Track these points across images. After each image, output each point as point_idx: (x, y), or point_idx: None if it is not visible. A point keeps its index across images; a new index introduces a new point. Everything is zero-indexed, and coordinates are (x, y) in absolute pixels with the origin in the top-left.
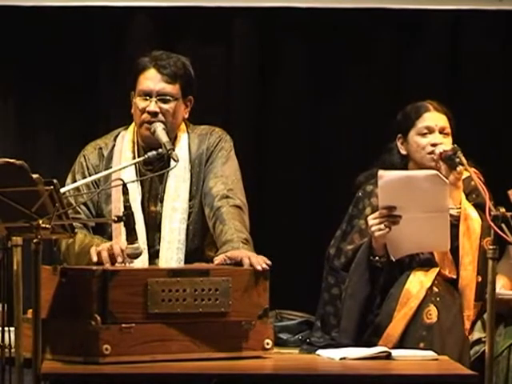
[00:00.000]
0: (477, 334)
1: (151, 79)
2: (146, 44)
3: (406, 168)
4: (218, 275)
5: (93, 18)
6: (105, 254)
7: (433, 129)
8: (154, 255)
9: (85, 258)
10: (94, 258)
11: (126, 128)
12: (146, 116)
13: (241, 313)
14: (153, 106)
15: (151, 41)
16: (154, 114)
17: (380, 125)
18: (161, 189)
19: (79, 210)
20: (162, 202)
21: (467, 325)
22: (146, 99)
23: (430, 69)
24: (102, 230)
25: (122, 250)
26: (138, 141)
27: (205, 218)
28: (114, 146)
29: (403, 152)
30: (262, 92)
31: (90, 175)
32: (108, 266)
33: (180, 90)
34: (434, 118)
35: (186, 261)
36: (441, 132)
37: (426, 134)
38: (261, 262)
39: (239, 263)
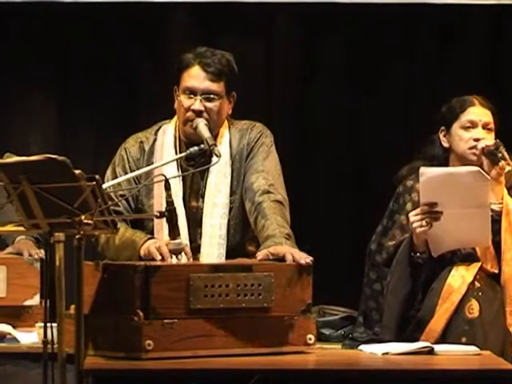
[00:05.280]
0: None
1: (196, 77)
2: (186, 40)
3: (447, 161)
4: (260, 270)
5: (134, 15)
6: (165, 249)
7: (476, 123)
8: (195, 250)
9: (125, 251)
10: (158, 257)
11: (168, 122)
12: (190, 114)
13: (284, 308)
14: (197, 104)
15: (192, 37)
16: (198, 113)
17: (420, 121)
18: (202, 184)
19: (118, 203)
20: (203, 197)
21: (510, 320)
22: (191, 97)
23: (471, 64)
24: (142, 224)
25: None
26: (179, 136)
27: (245, 213)
28: (155, 140)
29: (445, 145)
30: (303, 87)
31: (130, 168)
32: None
33: (224, 88)
34: (478, 112)
35: (227, 256)
36: (484, 127)
37: (469, 127)
38: (304, 257)
39: (282, 259)
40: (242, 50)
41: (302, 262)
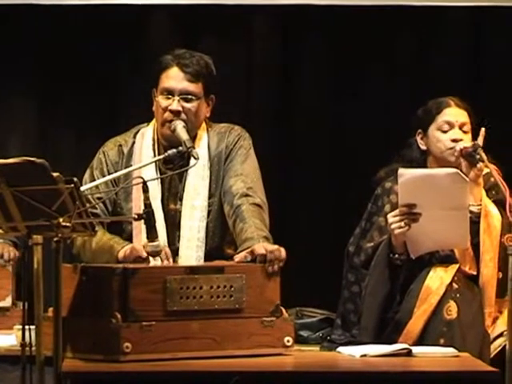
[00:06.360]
0: (501, 327)
1: (174, 78)
2: (165, 41)
3: (425, 163)
4: (232, 272)
5: (112, 16)
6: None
7: (453, 124)
8: (174, 253)
9: (102, 255)
10: (144, 254)
11: (146, 125)
12: (168, 115)
13: (254, 309)
14: (175, 104)
15: (171, 38)
16: (176, 113)
17: (402, 122)
18: (180, 187)
19: (96, 205)
20: (181, 200)
21: (488, 321)
22: (169, 98)
23: (452, 65)
24: (120, 228)
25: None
26: (158, 138)
27: (224, 216)
28: (133, 143)
29: (423, 147)
30: (283, 90)
31: (108, 172)
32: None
33: (202, 89)
34: (454, 113)
35: (206, 259)
36: (460, 128)
37: (446, 129)
38: (276, 257)
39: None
40: (222, 51)
41: (269, 270)
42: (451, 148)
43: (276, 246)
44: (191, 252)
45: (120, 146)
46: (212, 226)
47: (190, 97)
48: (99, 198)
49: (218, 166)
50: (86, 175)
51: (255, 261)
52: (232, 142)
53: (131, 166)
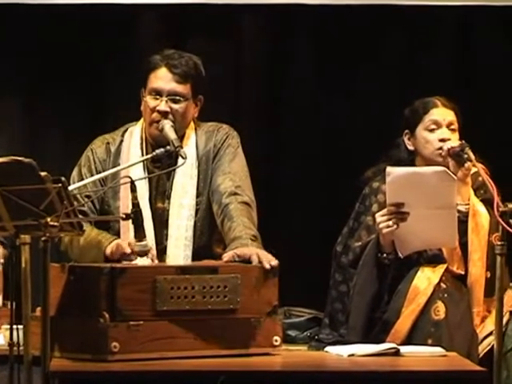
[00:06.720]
0: (491, 327)
1: (162, 78)
2: (154, 41)
3: (413, 163)
4: (226, 272)
5: (100, 15)
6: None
7: (440, 124)
8: (161, 252)
9: (90, 251)
10: (128, 250)
11: (135, 124)
12: (156, 115)
13: (250, 310)
14: (163, 105)
15: (160, 38)
16: (164, 114)
17: (392, 122)
18: (168, 185)
19: (83, 202)
20: (169, 198)
21: (477, 321)
22: (157, 98)
23: (441, 65)
24: (108, 225)
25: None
26: (146, 138)
27: (212, 215)
28: (121, 141)
29: (410, 148)
30: (272, 89)
31: (96, 169)
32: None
33: (191, 90)
34: (441, 113)
35: (194, 257)
36: (448, 127)
37: (433, 129)
38: (269, 259)
39: (248, 260)
40: (210, 51)
41: (267, 266)
42: (440, 148)
43: (264, 251)
44: (179, 251)
45: (108, 143)
46: (200, 224)
47: (178, 98)
48: (87, 196)
49: (206, 165)
50: (74, 172)
51: (249, 262)
52: (220, 140)
53: (119, 164)
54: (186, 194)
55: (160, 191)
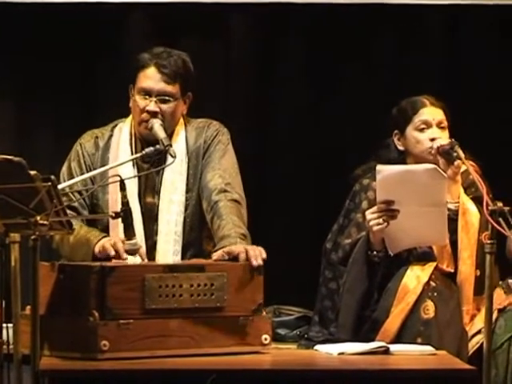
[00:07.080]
0: (480, 325)
1: (151, 78)
2: (143, 39)
3: (404, 163)
4: (213, 270)
5: (90, 14)
6: (120, 246)
7: (430, 123)
8: (151, 247)
9: (80, 249)
10: (112, 253)
11: (124, 120)
12: (145, 115)
13: (236, 307)
14: (152, 105)
15: (149, 36)
16: (153, 114)
17: (380, 121)
18: (157, 181)
19: (73, 198)
20: (158, 193)
21: (466, 319)
22: (146, 98)
23: (429, 64)
24: (97, 220)
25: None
26: (135, 134)
27: (202, 211)
28: (111, 136)
29: (400, 148)
30: (261, 88)
31: (85, 163)
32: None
33: (180, 89)
34: (431, 112)
35: (184, 253)
36: (438, 125)
37: (423, 128)
38: (258, 255)
39: (236, 258)
40: (200, 49)
41: (254, 263)
42: (431, 147)
43: (254, 246)
44: (168, 246)
45: (96, 137)
46: (189, 220)
47: (167, 98)
48: (79, 193)
49: (197, 161)
50: (64, 167)
51: (237, 260)
52: (210, 136)
53: (108, 158)
54: (175, 190)
55: (149, 186)
